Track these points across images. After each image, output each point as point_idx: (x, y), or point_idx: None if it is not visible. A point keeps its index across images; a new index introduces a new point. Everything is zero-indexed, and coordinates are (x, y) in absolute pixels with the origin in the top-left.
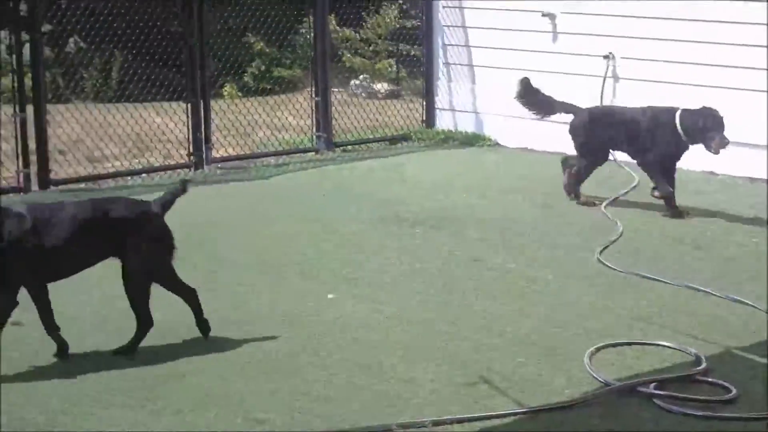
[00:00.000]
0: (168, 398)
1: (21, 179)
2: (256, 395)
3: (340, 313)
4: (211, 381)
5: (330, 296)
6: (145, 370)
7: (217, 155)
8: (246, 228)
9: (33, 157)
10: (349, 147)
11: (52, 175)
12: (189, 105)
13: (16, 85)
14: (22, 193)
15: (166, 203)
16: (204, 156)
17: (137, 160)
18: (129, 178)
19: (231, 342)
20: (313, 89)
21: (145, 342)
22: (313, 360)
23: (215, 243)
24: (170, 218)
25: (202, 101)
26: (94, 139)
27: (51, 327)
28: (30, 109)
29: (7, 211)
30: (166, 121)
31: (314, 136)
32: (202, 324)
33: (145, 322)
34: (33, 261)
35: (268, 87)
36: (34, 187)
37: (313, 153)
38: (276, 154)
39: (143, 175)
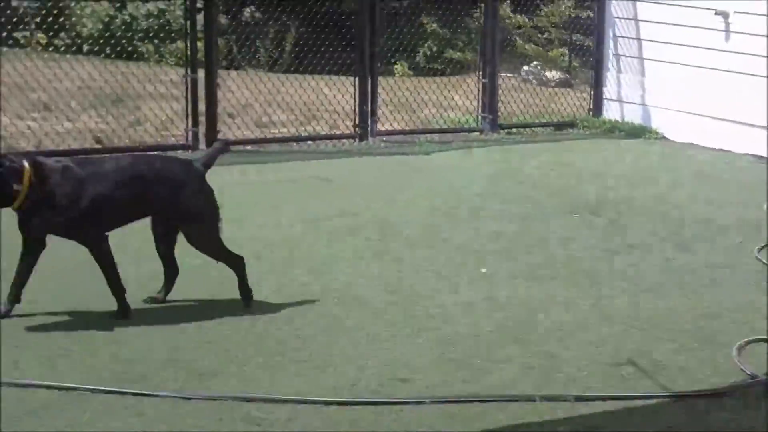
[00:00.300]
0: (308, 355)
1: (189, 137)
2: (401, 358)
3: (493, 289)
4: (353, 340)
5: (483, 270)
6: (272, 329)
7: (383, 128)
8: (402, 201)
9: (202, 118)
10: (514, 130)
11: (219, 136)
12: (357, 78)
13: (188, 49)
14: (189, 151)
15: (209, 161)
16: (369, 128)
17: (304, 128)
18: (295, 144)
19: (384, 305)
20: (481, 71)
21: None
22: (463, 329)
23: (375, 213)
24: (330, 184)
25: (370, 76)
26: (263, 104)
27: (19, 288)
28: (202, 72)
29: (53, 167)
30: (335, 93)
31: (479, 117)
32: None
33: (236, 262)
34: (83, 213)
35: (439, 68)
36: (202, 145)
37: (478, 133)
38: (441, 131)
39: (309, 142)
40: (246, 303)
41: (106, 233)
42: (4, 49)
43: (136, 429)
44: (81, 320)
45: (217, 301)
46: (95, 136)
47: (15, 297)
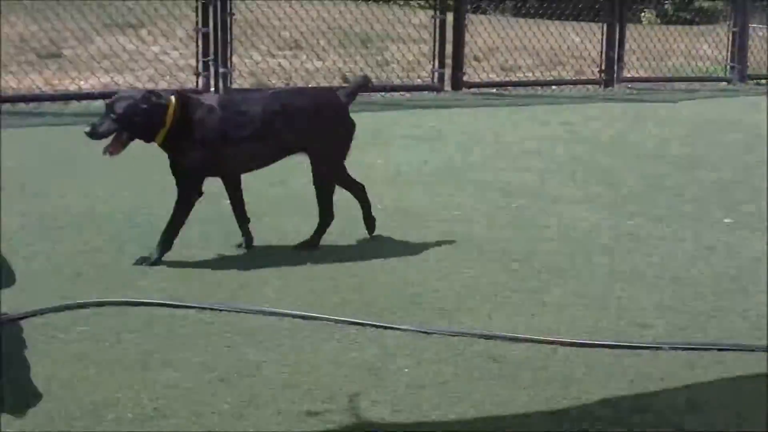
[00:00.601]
0: (546, 297)
1: (435, 78)
2: (640, 304)
3: (730, 239)
4: (590, 283)
5: (726, 221)
6: (507, 270)
7: (628, 75)
8: (643, 146)
9: (448, 61)
10: (763, 81)
11: (465, 78)
12: (605, 25)
13: None
14: (435, 92)
15: (351, 94)
16: (615, 75)
17: (549, 73)
18: (539, 88)
19: (616, 250)
20: (732, 21)
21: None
22: (704, 278)
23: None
24: (567, 127)
25: (618, 22)
26: (509, 48)
27: (243, 219)
28: (450, 16)
29: (197, 103)
30: (581, 38)
31: (728, 67)
32: (369, 220)
33: (326, 215)
34: (223, 152)
35: (687, 16)
36: (447, 87)
37: (726, 83)
38: (686, 80)
39: (553, 87)
40: (298, 248)
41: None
42: None
43: (377, 360)
44: (323, 253)
45: (440, 242)
46: (343, 75)
47: (246, 231)
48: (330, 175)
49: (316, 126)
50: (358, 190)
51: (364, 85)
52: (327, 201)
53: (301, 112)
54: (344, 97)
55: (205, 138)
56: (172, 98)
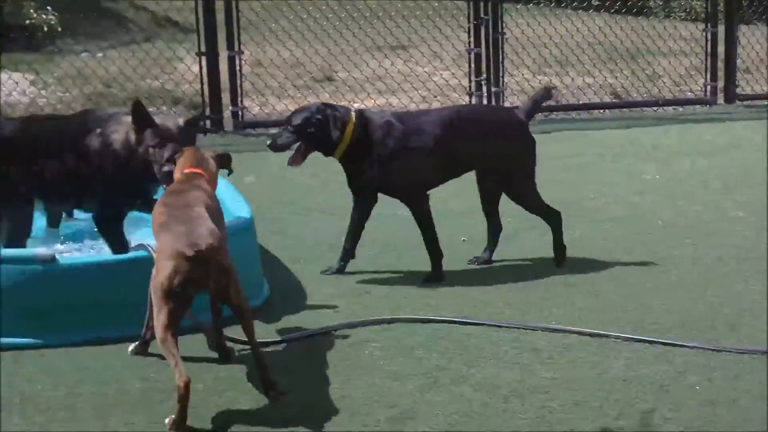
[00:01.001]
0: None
1: (708, 92)
2: None
3: None
4: None
5: None
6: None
7: None
8: None
9: (720, 73)
10: None
11: (738, 91)
12: None
13: (709, 3)
14: (708, 106)
15: (530, 110)
16: None
17: None
18: None
19: None
20: None
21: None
22: None
23: None
24: None
25: None
26: None
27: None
28: (721, 27)
29: (378, 118)
30: None
31: None
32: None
33: (553, 217)
34: (402, 168)
35: None
36: (720, 100)
37: None
38: None
39: None
40: (558, 261)
41: (428, 192)
42: (518, 6)
43: (667, 377)
44: (596, 270)
45: (723, 256)
46: (613, 90)
47: (348, 252)
48: (532, 187)
49: (493, 144)
50: (497, 226)
51: (546, 97)
52: (541, 205)
53: (479, 130)
54: (523, 116)
55: (385, 153)
56: (352, 114)
